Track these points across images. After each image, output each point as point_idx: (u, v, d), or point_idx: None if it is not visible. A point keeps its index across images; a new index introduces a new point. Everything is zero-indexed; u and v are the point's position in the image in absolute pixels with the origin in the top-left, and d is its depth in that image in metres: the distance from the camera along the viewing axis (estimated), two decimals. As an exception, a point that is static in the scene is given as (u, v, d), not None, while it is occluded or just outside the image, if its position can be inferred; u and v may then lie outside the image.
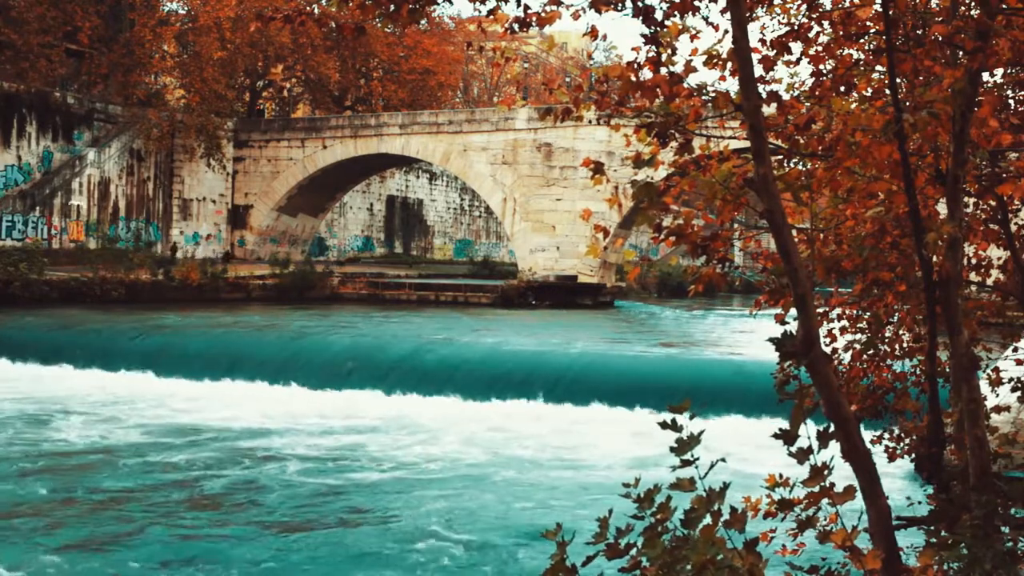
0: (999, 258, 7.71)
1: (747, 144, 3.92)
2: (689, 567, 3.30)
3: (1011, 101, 6.60)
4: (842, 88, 5.75)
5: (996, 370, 8.31)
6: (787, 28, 5.97)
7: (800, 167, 6.03)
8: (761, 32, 6.25)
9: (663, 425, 3.62)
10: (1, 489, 12.61)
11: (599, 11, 4.39)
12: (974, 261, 7.57)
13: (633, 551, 3.45)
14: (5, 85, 37.51)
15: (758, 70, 5.16)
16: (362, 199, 57.15)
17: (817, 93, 5.76)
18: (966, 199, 6.51)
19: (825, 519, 4.00)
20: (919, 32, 5.52)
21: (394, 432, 16.85)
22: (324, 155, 44.47)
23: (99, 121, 41.14)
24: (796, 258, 3.96)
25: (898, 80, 5.11)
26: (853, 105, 5.50)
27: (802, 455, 3.73)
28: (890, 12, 4.83)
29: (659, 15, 4.39)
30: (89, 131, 40.79)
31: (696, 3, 4.48)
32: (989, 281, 7.78)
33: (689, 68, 4.51)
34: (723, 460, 3.65)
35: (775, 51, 5.66)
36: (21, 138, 37.94)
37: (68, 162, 39.45)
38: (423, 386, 19.96)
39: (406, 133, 42.58)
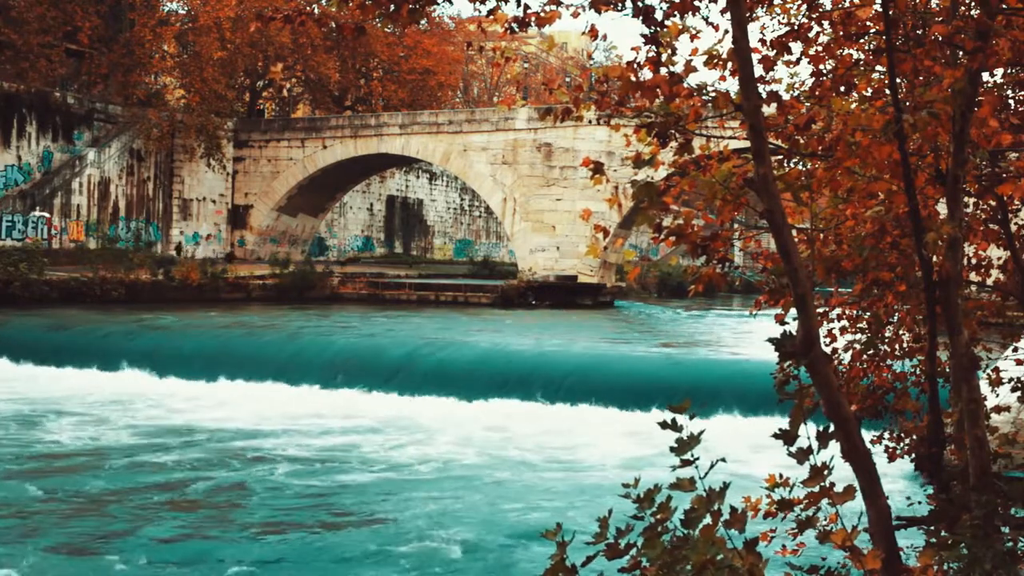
0: (999, 258, 7.71)
1: (747, 144, 3.92)
2: (689, 567, 3.30)
3: (1011, 101, 6.60)
4: (842, 88, 5.75)
5: (996, 370, 8.31)
6: (787, 28, 5.96)
7: (800, 167, 6.03)
8: (761, 32, 6.25)
9: (663, 425, 3.62)
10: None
11: (599, 11, 4.39)
12: (974, 261, 7.57)
13: (633, 551, 3.45)
14: (5, 85, 37.51)
15: (758, 70, 5.16)
16: (362, 199, 57.15)
17: (817, 93, 5.76)
18: (966, 199, 6.51)
19: (825, 519, 4.00)
20: (919, 32, 5.52)
21: (392, 432, 16.84)
22: (324, 155, 44.47)
23: (99, 121, 41.14)
24: (796, 258, 3.96)
25: (898, 80, 5.11)
26: (853, 105, 5.50)
27: (802, 455, 3.72)
28: (890, 12, 4.83)
29: (659, 15, 4.39)
30: (89, 131, 40.79)
31: (696, 3, 4.48)
32: (989, 281, 7.78)
33: (689, 68, 4.51)
34: (723, 460, 3.65)
35: (775, 51, 5.66)
36: (21, 138, 37.94)
37: (68, 162, 39.45)
38: (422, 386, 19.95)
39: (406, 133, 42.58)
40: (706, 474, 3.50)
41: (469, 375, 20.30)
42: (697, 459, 3.55)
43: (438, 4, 5.06)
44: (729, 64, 4.88)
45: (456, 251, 64.92)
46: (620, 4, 4.37)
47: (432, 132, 42.09)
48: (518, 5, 4.44)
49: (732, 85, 4.75)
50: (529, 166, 40.43)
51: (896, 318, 7.40)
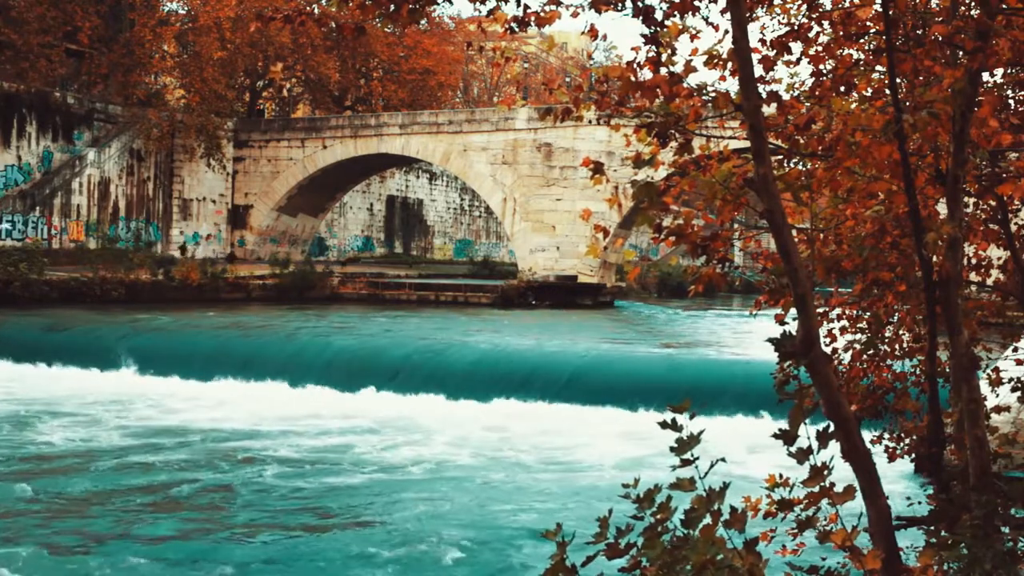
0: (999, 258, 7.70)
1: (747, 144, 3.92)
2: (689, 567, 3.30)
3: (1011, 101, 6.59)
4: (842, 88, 5.74)
5: (996, 370, 8.30)
6: (787, 28, 5.96)
7: (800, 167, 6.03)
8: (761, 32, 6.25)
9: (663, 425, 3.62)
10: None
11: (599, 11, 4.39)
12: (974, 261, 7.57)
13: (633, 551, 3.45)
14: (5, 85, 37.51)
15: (758, 70, 5.16)
16: (362, 199, 57.15)
17: (817, 93, 5.76)
18: (966, 199, 6.51)
19: (825, 519, 4.00)
20: (919, 32, 5.52)
21: (389, 432, 16.83)
22: (324, 155, 44.46)
23: (99, 121, 41.14)
24: (796, 258, 3.96)
25: (898, 80, 5.11)
26: (853, 105, 5.50)
27: (802, 455, 3.72)
28: (890, 12, 4.83)
29: (659, 15, 4.39)
30: (89, 131, 40.79)
31: (696, 3, 4.48)
32: (989, 281, 7.77)
33: (689, 68, 4.51)
34: (723, 460, 3.65)
35: (775, 51, 5.66)
36: (21, 138, 37.94)
37: (68, 162, 39.45)
38: (421, 386, 19.94)
39: (406, 133, 42.58)
40: (706, 474, 3.50)
41: (469, 375, 20.30)
42: (697, 459, 3.55)
43: (438, 4, 5.06)
44: (729, 64, 4.88)
45: (456, 251, 64.91)
46: (620, 4, 4.37)
47: (432, 132, 42.09)
48: (518, 5, 4.44)
49: (732, 85, 4.75)
50: (529, 166, 40.43)
51: (896, 318, 7.40)
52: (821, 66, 5.91)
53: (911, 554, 4.48)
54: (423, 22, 49.12)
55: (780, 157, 6.00)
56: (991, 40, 4.81)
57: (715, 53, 4.93)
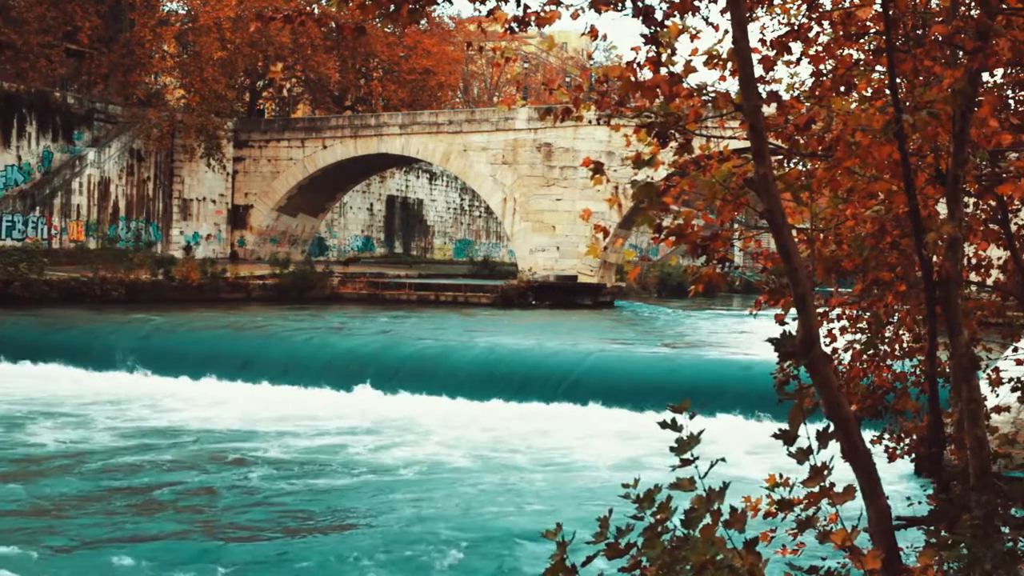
0: (999, 258, 7.71)
1: (747, 144, 3.92)
2: (689, 567, 3.30)
3: (1011, 101, 6.59)
4: (842, 88, 5.74)
5: (996, 370, 8.31)
6: (787, 28, 5.96)
7: (800, 167, 6.03)
8: (761, 32, 6.25)
9: (663, 425, 3.62)
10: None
11: (599, 11, 4.39)
12: (974, 261, 7.57)
13: (633, 551, 3.45)
14: (5, 85, 37.51)
15: (758, 70, 5.16)
16: (362, 199, 57.14)
17: (817, 93, 5.76)
18: (966, 199, 6.51)
19: (825, 519, 4.00)
20: (919, 32, 5.52)
21: (387, 432, 16.82)
22: (324, 155, 44.46)
23: (99, 121, 41.14)
24: (796, 258, 3.96)
25: (898, 80, 5.11)
26: (853, 105, 5.50)
27: (802, 455, 3.72)
28: (890, 12, 4.83)
29: (659, 15, 4.39)
30: (89, 131, 40.79)
31: (696, 3, 4.48)
32: (989, 281, 7.78)
33: (689, 68, 4.51)
34: (723, 460, 3.65)
35: (775, 51, 5.66)
36: (21, 138, 37.94)
37: (68, 162, 39.45)
38: (420, 386, 19.94)
39: (406, 133, 42.58)
40: (706, 474, 3.50)
41: (468, 375, 20.30)
42: (697, 459, 3.55)
43: (438, 4, 5.06)
44: (729, 64, 4.88)
45: (456, 251, 64.91)
46: (620, 4, 4.37)
47: (432, 132, 42.09)
48: (518, 5, 4.44)
49: (732, 85, 4.75)
50: (529, 166, 40.43)
51: (896, 318, 7.40)
52: (821, 66, 5.91)
53: (911, 554, 4.48)
54: (423, 22, 49.11)
55: (780, 157, 6.00)
56: (991, 40, 4.81)
57: (715, 53, 4.93)
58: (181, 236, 43.89)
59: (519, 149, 40.62)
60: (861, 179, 5.41)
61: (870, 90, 6.16)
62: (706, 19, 4.92)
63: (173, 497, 12.71)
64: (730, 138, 5.58)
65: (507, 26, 4.49)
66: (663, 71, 4.43)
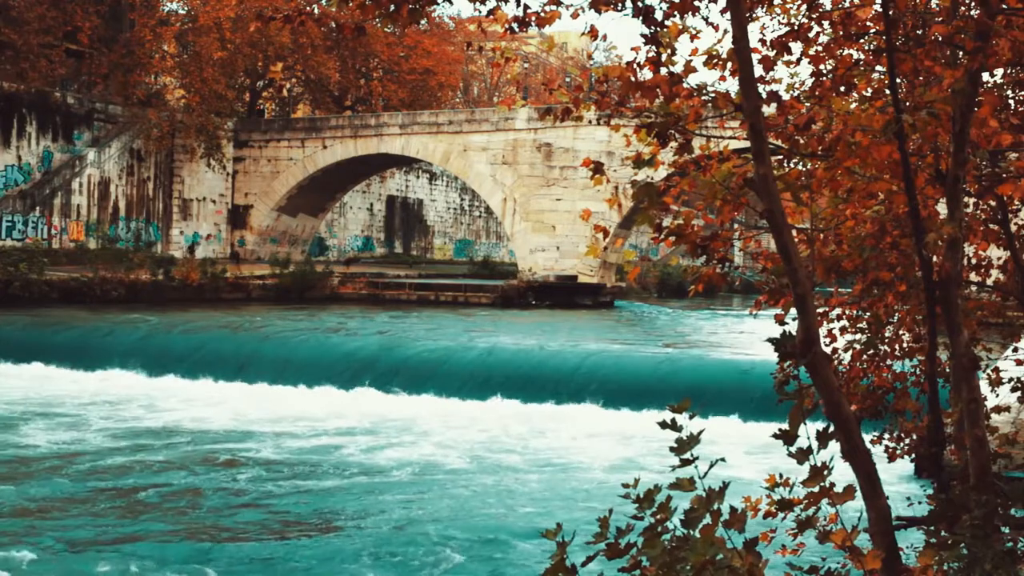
0: (999, 258, 7.71)
1: (747, 144, 3.92)
2: (689, 567, 3.30)
3: (1011, 101, 6.59)
4: (842, 88, 5.74)
5: (996, 370, 8.30)
6: (787, 28, 5.96)
7: (800, 167, 6.02)
8: (761, 32, 6.25)
9: (663, 425, 3.62)
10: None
11: (599, 11, 4.39)
12: (974, 261, 7.57)
13: (633, 551, 3.45)
14: (5, 85, 37.51)
15: (758, 70, 5.16)
16: (362, 199, 57.14)
17: (817, 93, 5.76)
18: (966, 199, 6.51)
19: (825, 519, 4.00)
20: (919, 32, 5.52)
21: (385, 433, 16.81)
22: (324, 155, 44.46)
23: (99, 121, 41.14)
24: (796, 258, 3.96)
25: (898, 80, 5.11)
26: (853, 105, 5.50)
27: (802, 455, 3.72)
28: (890, 12, 4.83)
29: (659, 15, 4.39)
30: (89, 131, 40.79)
31: (696, 3, 4.48)
32: (989, 281, 7.78)
33: (689, 68, 4.51)
34: (722, 460, 3.65)
35: (775, 51, 5.66)
36: (21, 138, 37.94)
37: (68, 162, 39.45)
38: (419, 386, 19.94)
39: (406, 133, 42.57)
40: (705, 474, 3.50)
41: (468, 376, 20.30)
42: (697, 459, 3.55)
43: (438, 4, 5.06)
44: (729, 64, 4.88)
45: (456, 251, 64.91)
46: (620, 4, 4.37)
47: (432, 132, 42.09)
48: (518, 5, 4.44)
49: (732, 85, 4.75)
50: (529, 166, 40.43)
51: (896, 318, 7.40)
52: (821, 66, 5.91)
53: (911, 554, 4.48)
54: (423, 22, 49.08)
55: (780, 157, 6.00)
56: (991, 40, 4.81)
57: (715, 53, 4.93)
58: (181, 236, 43.89)
59: (519, 149, 40.61)
60: (861, 179, 5.41)
61: (870, 90, 6.16)
62: (706, 19, 4.92)
63: (170, 498, 12.69)
64: (730, 138, 5.58)
65: (507, 26, 4.49)
66: (663, 71, 4.43)
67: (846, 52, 5.91)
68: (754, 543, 3.43)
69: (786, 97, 5.60)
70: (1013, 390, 7.53)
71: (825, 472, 3.76)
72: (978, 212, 7.15)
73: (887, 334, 7.42)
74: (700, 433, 3.57)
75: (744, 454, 14.22)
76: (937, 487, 5.98)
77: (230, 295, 36.38)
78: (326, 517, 12.08)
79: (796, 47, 5.91)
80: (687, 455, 3.54)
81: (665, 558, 3.35)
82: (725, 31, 4.44)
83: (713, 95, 4.58)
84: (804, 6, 5.95)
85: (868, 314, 7.11)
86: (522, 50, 64.16)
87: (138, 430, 16.60)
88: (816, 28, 5.92)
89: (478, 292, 39.41)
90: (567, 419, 17.84)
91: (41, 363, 22.03)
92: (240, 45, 43.87)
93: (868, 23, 5.58)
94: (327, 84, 50.71)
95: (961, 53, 5.05)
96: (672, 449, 3.56)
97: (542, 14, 4.50)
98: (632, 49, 4.57)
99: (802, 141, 5.50)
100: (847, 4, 5.70)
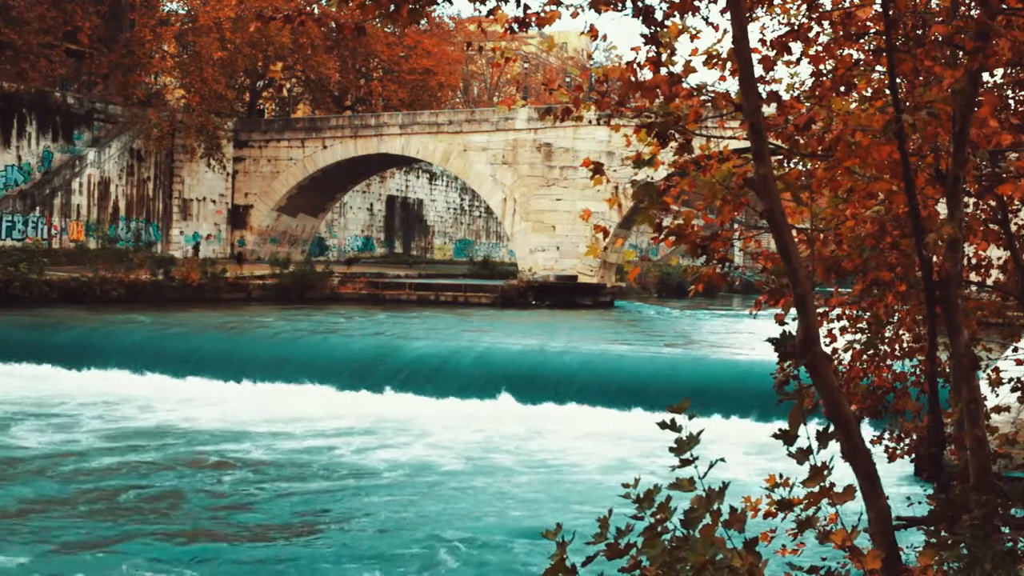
0: (999, 258, 7.71)
1: (747, 144, 3.92)
2: (689, 567, 3.30)
3: (1011, 101, 6.59)
4: (842, 88, 5.74)
5: (996, 370, 8.30)
6: (787, 28, 5.96)
7: (800, 167, 6.02)
8: (761, 32, 6.24)
9: (663, 425, 3.62)
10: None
11: (599, 11, 4.39)
12: (974, 261, 7.57)
13: (633, 551, 3.45)
14: (5, 85, 37.50)
15: (758, 70, 5.16)
16: (362, 199, 57.14)
17: (817, 93, 5.75)
18: (966, 199, 6.51)
19: (825, 519, 4.00)
20: (919, 32, 5.52)
21: (384, 432, 16.81)
22: (324, 155, 44.46)
23: (99, 121, 41.13)
24: (796, 258, 3.96)
25: (898, 80, 5.11)
26: (853, 105, 5.50)
27: (802, 455, 3.72)
28: (890, 12, 4.83)
29: (659, 15, 4.39)
30: (89, 131, 40.78)
31: (696, 3, 4.48)
32: (989, 281, 7.78)
33: (689, 68, 4.51)
34: (722, 460, 3.65)
35: (775, 51, 5.66)
36: (21, 138, 37.93)
37: (68, 162, 39.45)
38: (419, 386, 19.93)
39: (406, 133, 42.57)
40: (705, 474, 3.50)
41: (467, 375, 20.29)
42: (696, 459, 3.55)
43: (438, 4, 5.06)
44: (729, 64, 4.88)
45: (456, 251, 64.90)
46: (620, 4, 4.37)
47: (432, 132, 42.08)
48: (518, 5, 4.44)
49: (732, 85, 4.75)
50: (529, 166, 40.42)
51: (896, 318, 7.40)
52: (821, 66, 5.91)
53: (911, 554, 4.48)
54: (423, 22, 49.08)
55: (780, 157, 6.00)
56: (991, 40, 4.81)
57: (715, 53, 4.93)
58: (181, 236, 43.88)
59: (519, 149, 40.61)
60: (861, 179, 5.41)
61: (870, 90, 6.16)
62: (706, 19, 4.92)
63: (170, 498, 12.69)
64: (730, 138, 5.58)
65: (507, 26, 4.49)
66: (663, 71, 4.43)
67: (846, 52, 5.90)
68: (754, 543, 3.43)
69: (786, 97, 5.60)
70: (1013, 390, 7.53)
71: (825, 472, 3.76)
72: (978, 212, 7.15)
73: (887, 334, 7.42)
74: (700, 433, 3.57)
75: (744, 454, 14.22)
76: (937, 487, 5.98)
77: (230, 295, 36.37)
78: (326, 517, 12.08)
79: (796, 47, 5.91)
80: (687, 455, 3.54)
81: (665, 558, 3.35)
82: (725, 31, 4.44)
83: (712, 95, 4.58)
84: (804, 6, 5.95)
85: (868, 314, 7.11)
86: (522, 50, 64.16)
87: (135, 430, 16.59)
88: (816, 28, 5.92)
89: (478, 292, 39.40)
90: (567, 419, 17.84)
91: (34, 363, 21.95)
92: (240, 45, 43.86)
93: (868, 23, 5.58)
94: (327, 84, 50.71)
95: (961, 53, 5.05)
96: (672, 449, 3.56)
97: (542, 14, 4.50)
98: (632, 49, 4.57)
99: (802, 141, 5.50)
100: (847, 4, 5.70)
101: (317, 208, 48.58)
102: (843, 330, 7.42)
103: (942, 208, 5.46)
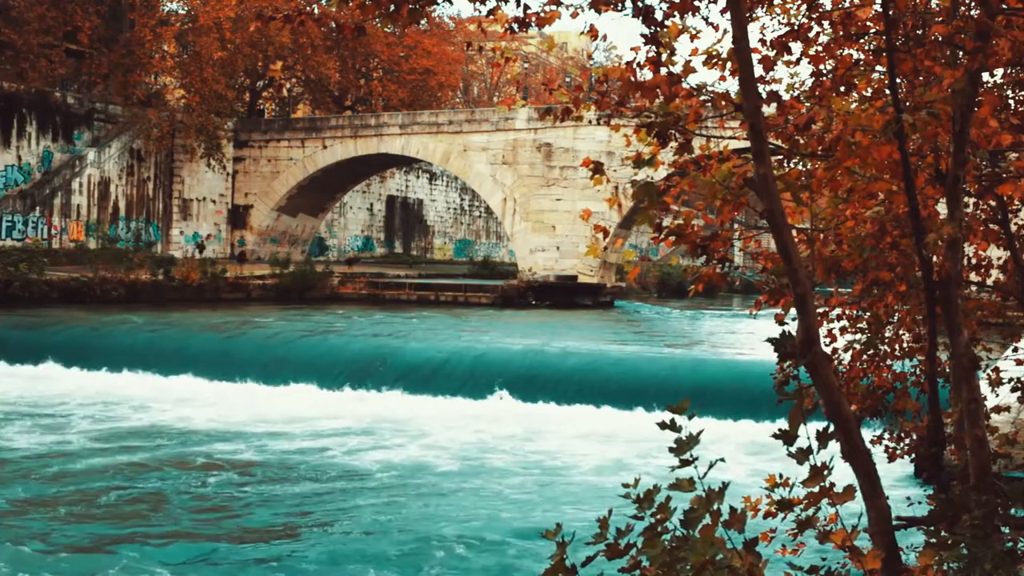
0: (999, 258, 7.71)
1: (747, 144, 3.92)
2: (689, 567, 3.30)
3: (1011, 101, 6.59)
4: (842, 88, 5.74)
5: (996, 370, 8.30)
6: (787, 28, 5.96)
7: (800, 167, 6.02)
8: (761, 32, 6.24)
9: (662, 425, 3.61)
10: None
11: (599, 11, 4.39)
12: (974, 261, 7.57)
13: (633, 551, 3.45)
14: (5, 85, 37.50)
15: (758, 70, 5.16)
16: (362, 199, 57.14)
17: (817, 93, 5.76)
18: (966, 199, 6.51)
19: (825, 519, 4.00)
20: (919, 32, 5.52)
21: (382, 432, 16.80)
22: (324, 155, 44.46)
23: (99, 121, 41.13)
24: (796, 258, 3.96)
25: (898, 80, 5.11)
26: (853, 105, 5.50)
27: (802, 455, 3.72)
28: (890, 12, 4.83)
29: (659, 15, 4.39)
30: (89, 131, 40.78)
31: (696, 3, 4.48)
32: (989, 281, 7.78)
33: (689, 68, 4.51)
34: (722, 460, 3.65)
35: (775, 51, 5.66)
36: (21, 138, 37.93)
37: (68, 162, 39.45)
38: (418, 386, 19.93)
39: (406, 133, 42.57)
40: (705, 474, 3.50)
41: (467, 375, 20.29)
42: (696, 459, 3.55)
43: (438, 4, 5.06)
44: (729, 64, 4.88)
45: (456, 251, 64.90)
46: (620, 4, 4.37)
47: (432, 132, 42.08)
48: (518, 5, 4.44)
49: (732, 85, 4.75)
50: (529, 166, 40.42)
51: (896, 318, 7.40)
52: (821, 66, 5.91)
53: (911, 554, 4.48)
54: (423, 22, 49.07)
55: (780, 157, 6.00)
56: (991, 40, 4.81)
57: (715, 53, 4.93)
58: (181, 236, 43.88)
59: (519, 149, 40.61)
60: (861, 179, 5.41)
61: (870, 90, 6.16)
62: (706, 19, 4.92)
63: (167, 498, 12.69)
64: (730, 138, 5.58)
65: (507, 26, 4.49)
66: (663, 71, 4.43)
67: (846, 52, 5.90)
68: (754, 543, 3.43)
69: (786, 97, 5.60)
70: (1013, 390, 7.53)
71: (825, 472, 3.76)
72: (978, 212, 7.15)
73: (887, 334, 7.43)
74: (699, 433, 3.57)
75: (744, 454, 14.22)
76: (937, 487, 5.98)
77: (230, 295, 36.35)
78: (323, 518, 12.07)
79: (796, 47, 5.91)
80: (686, 455, 3.54)
81: (665, 558, 3.35)
82: (725, 31, 4.44)
83: (712, 95, 4.58)
84: (804, 6, 5.95)
85: (868, 314, 7.11)
86: (522, 50, 64.17)
87: (130, 431, 16.57)
88: (816, 28, 5.92)
89: (478, 292, 39.39)
90: (566, 419, 17.83)
91: (33, 364, 21.94)
92: (240, 45, 43.86)
93: (868, 23, 5.58)
94: (327, 84, 50.71)
95: (961, 53, 5.05)
96: (671, 449, 3.55)
97: (542, 14, 4.50)
98: (632, 49, 4.57)
99: (802, 141, 5.50)
100: (847, 4, 5.70)
101: (317, 208, 48.58)
102: (843, 330, 7.43)
103: (942, 208, 5.46)
